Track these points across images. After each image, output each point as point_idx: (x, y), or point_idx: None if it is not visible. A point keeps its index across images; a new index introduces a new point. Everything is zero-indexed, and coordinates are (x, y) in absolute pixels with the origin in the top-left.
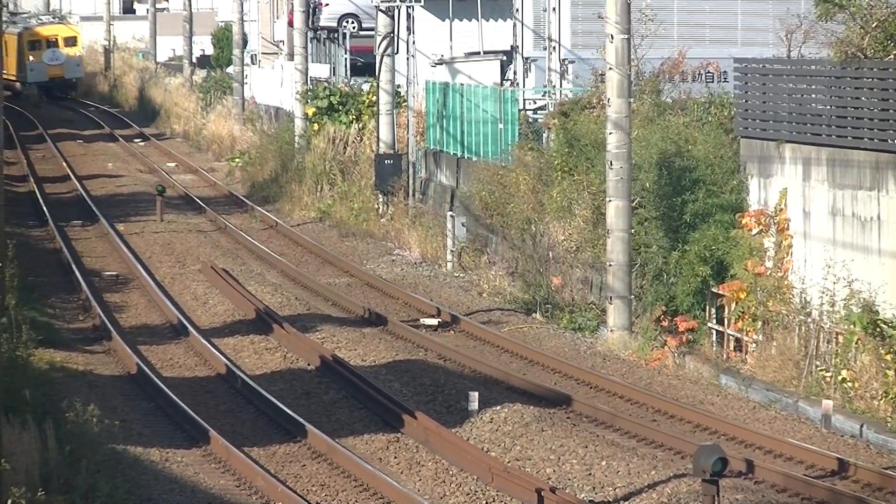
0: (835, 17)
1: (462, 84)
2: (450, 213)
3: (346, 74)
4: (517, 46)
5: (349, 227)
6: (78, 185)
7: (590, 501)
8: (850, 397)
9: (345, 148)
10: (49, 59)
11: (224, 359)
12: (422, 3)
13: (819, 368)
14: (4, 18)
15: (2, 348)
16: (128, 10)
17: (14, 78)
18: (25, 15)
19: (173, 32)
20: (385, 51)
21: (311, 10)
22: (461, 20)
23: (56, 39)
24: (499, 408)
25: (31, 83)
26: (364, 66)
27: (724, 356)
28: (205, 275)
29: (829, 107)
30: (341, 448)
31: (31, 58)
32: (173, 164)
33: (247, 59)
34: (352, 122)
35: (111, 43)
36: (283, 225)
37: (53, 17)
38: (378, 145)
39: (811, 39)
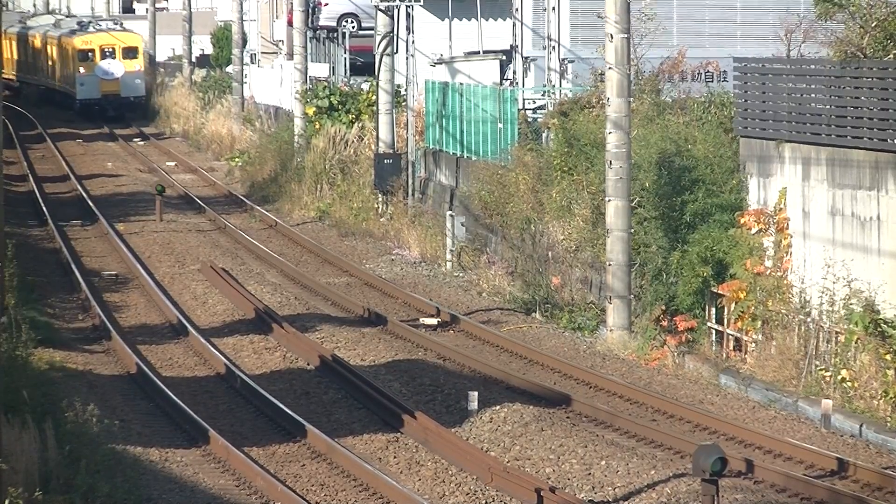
0: (834, 17)
1: (461, 84)
2: (449, 212)
3: (345, 74)
4: (516, 46)
5: (349, 227)
6: (77, 184)
7: (589, 501)
8: (849, 397)
9: (344, 147)
10: (103, 72)
11: (223, 358)
12: (421, 3)
13: (819, 368)
14: (45, 21)
15: (1, 348)
16: (127, 9)
17: (63, 90)
18: (76, 18)
19: (173, 32)
20: (384, 50)
21: (310, 10)
22: (460, 20)
23: (113, 49)
24: (498, 407)
25: (81, 100)
26: (363, 66)
27: (724, 356)
28: (204, 274)
29: (828, 106)
30: (341, 448)
31: (81, 69)
32: (173, 164)
33: (246, 59)
34: (351, 121)
35: None
36: (282, 224)
37: (115, 23)
38: (377, 145)
39: (811, 39)
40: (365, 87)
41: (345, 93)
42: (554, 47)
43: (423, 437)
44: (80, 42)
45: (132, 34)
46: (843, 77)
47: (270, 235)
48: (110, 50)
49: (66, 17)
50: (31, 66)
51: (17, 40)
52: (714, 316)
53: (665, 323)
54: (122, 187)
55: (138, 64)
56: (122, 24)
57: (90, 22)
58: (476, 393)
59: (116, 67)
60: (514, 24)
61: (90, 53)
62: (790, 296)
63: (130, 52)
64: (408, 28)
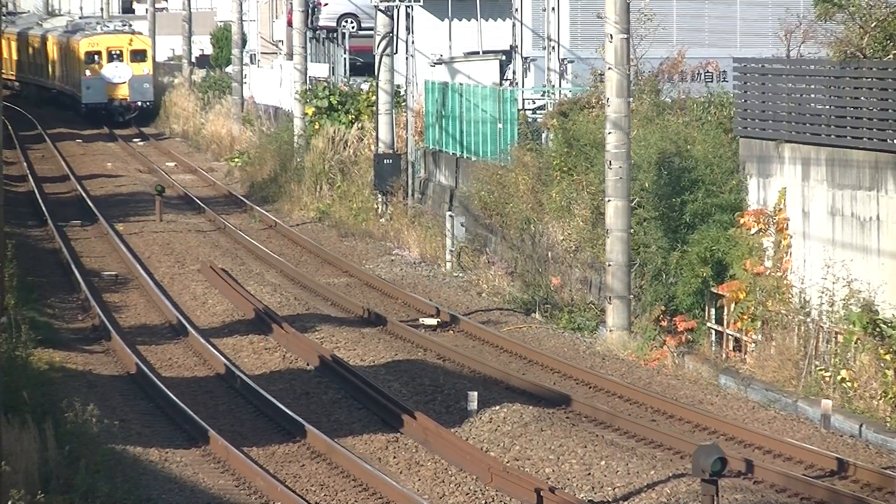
0: (834, 17)
1: (461, 84)
2: (449, 212)
3: (345, 74)
4: (516, 46)
5: (348, 227)
6: (77, 184)
7: (589, 501)
8: (849, 397)
9: (344, 148)
10: (110, 75)
11: (223, 359)
12: (421, 3)
13: (818, 368)
14: (55, 22)
15: (1, 348)
16: (127, 9)
17: (69, 93)
18: (85, 19)
19: (172, 32)
20: (384, 50)
21: (310, 10)
22: (460, 20)
23: (121, 52)
24: (498, 408)
25: (87, 104)
26: (363, 66)
27: (724, 356)
28: (204, 275)
29: (828, 106)
30: (340, 448)
31: (88, 72)
32: (172, 164)
33: (246, 59)
34: (351, 121)
35: None
36: (282, 225)
37: (123, 24)
38: (377, 145)
39: (810, 39)
40: (364, 87)
41: (344, 93)
42: (553, 47)
43: (422, 438)
44: (86, 44)
45: (141, 36)
46: (843, 77)
47: (270, 236)
48: (118, 52)
49: (81, 18)
50: (35, 68)
51: (19, 41)
52: (714, 316)
53: (665, 323)
54: (121, 187)
55: (147, 67)
56: (130, 25)
57: (98, 23)
58: (476, 393)
59: (124, 71)
60: (513, 25)
61: (97, 56)
62: (790, 296)
63: (139, 55)
64: (407, 28)
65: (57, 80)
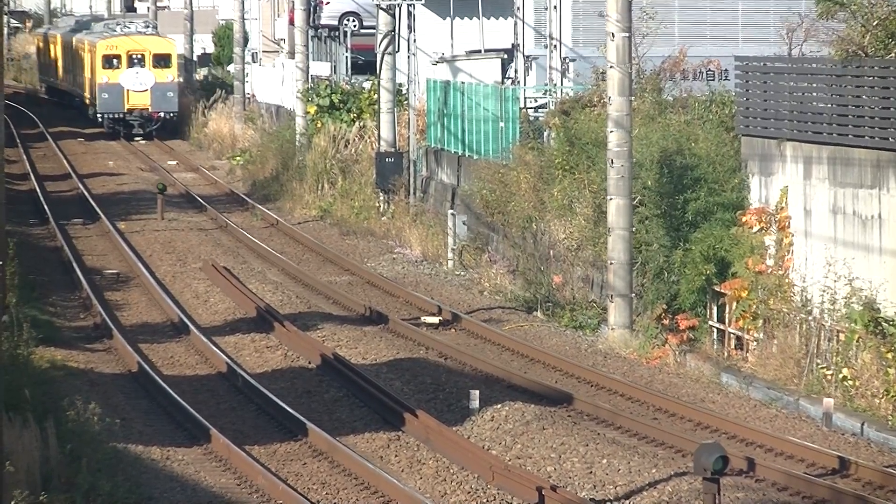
0: (836, 16)
1: (463, 82)
2: (451, 211)
3: (347, 73)
4: (518, 45)
5: (350, 226)
6: (79, 183)
7: (591, 500)
8: (850, 395)
9: (346, 146)
10: (130, 82)
11: (225, 357)
12: (423, 2)
13: (820, 366)
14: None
15: (3, 347)
16: (129, 8)
17: (86, 100)
18: (101, 20)
19: (174, 31)
20: (386, 49)
21: (312, 8)
22: (462, 18)
23: (142, 56)
24: (500, 406)
25: (102, 114)
26: (365, 65)
27: (725, 354)
28: (206, 273)
29: (830, 105)
30: (342, 446)
31: (105, 78)
32: (174, 163)
33: (248, 58)
34: (353, 120)
35: None
36: (283, 223)
37: (146, 25)
38: (379, 143)
39: (812, 38)
40: (366, 85)
41: (346, 91)
42: (555, 46)
43: (424, 436)
44: (104, 46)
45: (165, 39)
46: (845, 76)
47: (272, 234)
48: (139, 56)
49: (107, 18)
50: (51, 71)
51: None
52: (715, 314)
53: (666, 321)
54: (123, 186)
55: (171, 74)
56: (154, 26)
57: (118, 24)
58: (477, 391)
59: (146, 77)
60: (515, 23)
61: (115, 60)
62: (791, 294)
63: (162, 60)
64: (409, 27)
65: (69, 85)
